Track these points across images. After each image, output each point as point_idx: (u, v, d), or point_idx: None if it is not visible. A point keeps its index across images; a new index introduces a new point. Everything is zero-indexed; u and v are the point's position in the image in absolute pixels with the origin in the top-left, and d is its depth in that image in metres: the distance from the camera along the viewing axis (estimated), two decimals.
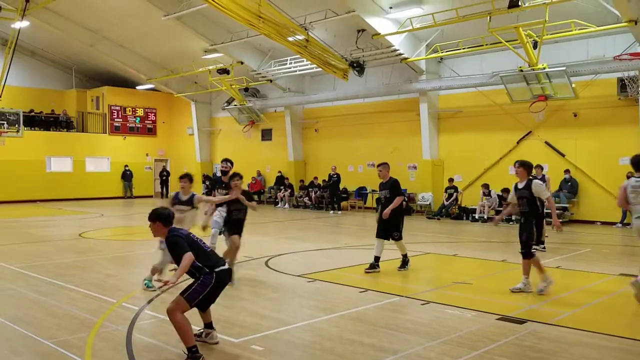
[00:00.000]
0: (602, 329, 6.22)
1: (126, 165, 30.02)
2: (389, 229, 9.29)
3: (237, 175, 8.57)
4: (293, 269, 9.82)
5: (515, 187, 8.12)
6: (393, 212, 9.18)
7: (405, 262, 9.53)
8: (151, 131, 31.91)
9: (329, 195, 22.81)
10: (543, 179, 12.18)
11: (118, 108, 30.43)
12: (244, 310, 6.95)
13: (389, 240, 9.37)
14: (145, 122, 31.62)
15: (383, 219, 9.28)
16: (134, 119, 31.11)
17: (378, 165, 9.64)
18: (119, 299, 7.51)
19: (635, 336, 6.01)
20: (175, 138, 32.35)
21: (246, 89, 25.32)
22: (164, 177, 31.42)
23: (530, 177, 8.08)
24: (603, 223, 16.78)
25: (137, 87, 30.82)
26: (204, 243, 5.37)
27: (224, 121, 29.24)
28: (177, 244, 5.15)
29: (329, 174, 22.76)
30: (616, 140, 16.79)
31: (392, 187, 9.31)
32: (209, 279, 5.16)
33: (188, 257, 5.03)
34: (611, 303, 7.68)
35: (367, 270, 9.24)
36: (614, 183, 16.28)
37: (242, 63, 23.30)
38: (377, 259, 9.32)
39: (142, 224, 18.67)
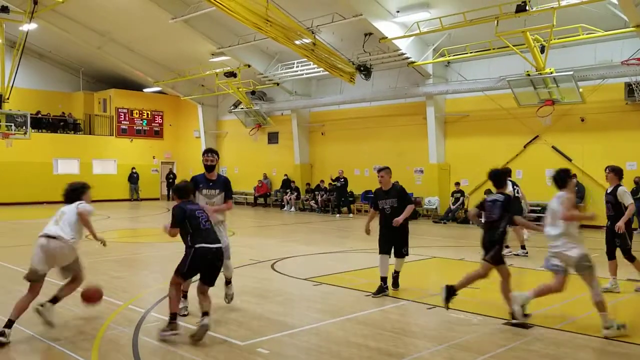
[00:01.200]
0: None
1: (133, 168, 30.12)
2: (397, 243, 8.03)
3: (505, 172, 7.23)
4: (299, 272, 9.81)
5: (605, 192, 8.31)
6: (403, 222, 7.90)
7: (396, 280, 8.20)
8: (158, 134, 32.01)
9: (336, 199, 22.80)
10: (514, 185, 12.13)
11: (125, 110, 30.56)
12: (249, 313, 6.96)
13: (396, 256, 8.17)
14: (152, 124, 31.73)
15: (387, 231, 8.03)
16: (141, 122, 31.21)
17: (379, 171, 8.21)
18: (125, 301, 7.53)
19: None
20: (182, 141, 32.44)
21: (253, 92, 25.36)
22: (171, 180, 31.48)
23: (619, 183, 8.15)
24: None
25: (144, 90, 30.97)
26: (205, 221, 6.09)
27: (230, 124, 29.31)
28: (174, 215, 6.11)
29: (337, 177, 22.74)
30: (623, 145, 16.70)
31: (400, 195, 8.06)
32: (188, 252, 6.02)
33: (172, 231, 6.14)
34: (618, 308, 7.64)
35: (375, 295, 7.91)
36: None
37: (249, 66, 23.34)
38: (384, 279, 8.02)
39: (149, 226, 18.75)
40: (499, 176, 6.91)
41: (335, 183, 22.71)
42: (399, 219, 7.82)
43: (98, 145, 29.77)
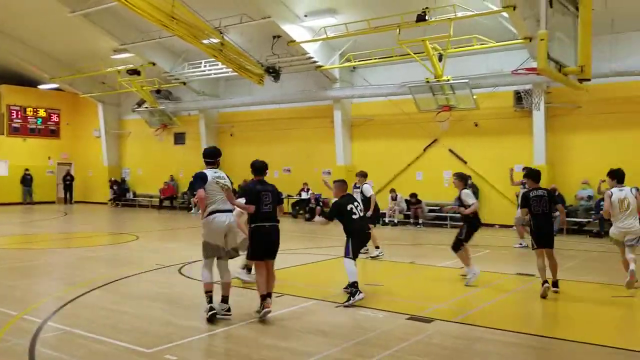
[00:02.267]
0: (502, 325, 6.69)
1: (26, 169, 28.19)
2: None
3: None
4: None
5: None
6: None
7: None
8: (54, 133, 30.21)
9: None
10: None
11: (18, 108, 28.54)
12: (156, 320, 6.81)
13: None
14: (48, 123, 29.87)
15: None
16: (36, 120, 29.32)
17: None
18: (20, 311, 7.11)
19: (530, 331, 6.53)
20: (81, 141, 30.84)
21: (158, 91, 24.63)
22: (68, 182, 29.86)
23: (465, 187, 9.29)
24: (501, 226, 17.85)
25: (40, 86, 29.05)
26: (266, 205, 6.93)
27: (133, 124, 28.28)
28: (245, 190, 7.30)
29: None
30: (512, 148, 17.98)
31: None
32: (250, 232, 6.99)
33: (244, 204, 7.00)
34: (509, 300, 8.27)
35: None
36: (510, 189, 17.42)
37: (154, 64, 22.68)
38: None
39: (44, 232, 17.69)
40: (538, 174, 8.71)
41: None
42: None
43: None
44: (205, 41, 17.93)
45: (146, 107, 25.53)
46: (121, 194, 28.20)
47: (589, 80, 10.12)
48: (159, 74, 23.65)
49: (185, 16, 16.87)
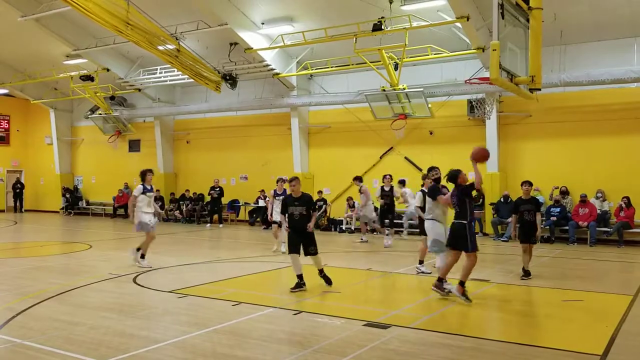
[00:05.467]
0: (458, 330, 6.84)
1: None
2: (305, 244, 9.09)
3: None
4: (163, 284, 9.58)
5: None
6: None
7: (324, 276, 9.31)
8: (3, 140, 29.21)
9: (210, 209, 22.33)
10: (284, 193, 13.19)
11: None
12: (109, 330, 6.66)
13: (306, 255, 9.15)
14: None
15: (296, 234, 9.09)
16: None
17: (290, 181, 9.35)
18: None
19: (486, 335, 6.69)
20: (32, 148, 29.92)
21: (112, 97, 24.15)
22: (18, 190, 28.89)
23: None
24: None
25: None
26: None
27: (87, 130, 27.62)
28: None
29: (212, 186, 22.29)
30: (466, 156, 18.26)
31: (308, 203, 9.22)
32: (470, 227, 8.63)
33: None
34: (465, 306, 8.43)
35: (293, 290, 8.90)
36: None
37: (108, 70, 22.25)
38: (300, 276, 9.04)
39: None
40: None
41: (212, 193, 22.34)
42: (311, 225, 9.06)
43: None
44: (160, 47, 17.72)
45: (100, 114, 24.98)
46: (74, 203, 27.49)
47: (539, 89, 10.45)
48: (113, 80, 23.20)
49: (140, 22, 16.65)
